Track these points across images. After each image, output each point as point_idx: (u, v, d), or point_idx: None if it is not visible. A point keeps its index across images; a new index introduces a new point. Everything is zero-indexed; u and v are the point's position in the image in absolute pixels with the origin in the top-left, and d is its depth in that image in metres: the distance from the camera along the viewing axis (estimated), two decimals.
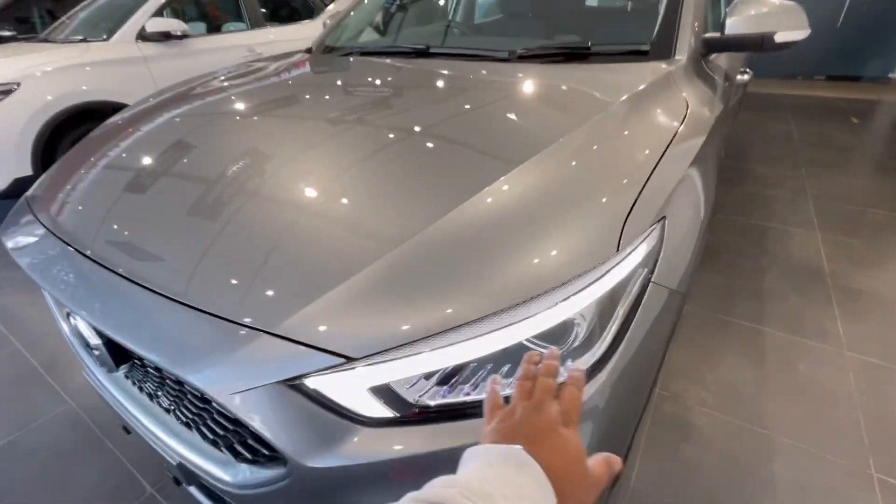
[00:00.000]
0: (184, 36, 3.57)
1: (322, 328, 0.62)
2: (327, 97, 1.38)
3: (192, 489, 1.02)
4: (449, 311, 0.63)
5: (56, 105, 3.05)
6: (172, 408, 0.89)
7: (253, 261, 0.73)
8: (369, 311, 0.64)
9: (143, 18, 3.42)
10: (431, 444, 0.64)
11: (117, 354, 0.88)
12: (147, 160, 1.13)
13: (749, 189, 3.36)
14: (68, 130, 3.13)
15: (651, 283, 0.77)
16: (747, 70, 1.96)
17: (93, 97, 3.16)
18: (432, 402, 0.65)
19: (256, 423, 0.63)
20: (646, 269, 0.76)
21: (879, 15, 5.91)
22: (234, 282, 0.71)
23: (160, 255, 0.81)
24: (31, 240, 0.99)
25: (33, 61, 3.08)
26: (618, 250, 0.71)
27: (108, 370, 0.92)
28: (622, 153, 0.88)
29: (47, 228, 0.98)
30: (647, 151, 0.87)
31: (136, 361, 0.92)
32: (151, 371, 0.88)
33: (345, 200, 0.83)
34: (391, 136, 1.02)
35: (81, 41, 3.46)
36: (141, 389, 0.97)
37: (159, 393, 0.91)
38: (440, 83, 1.35)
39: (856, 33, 6.03)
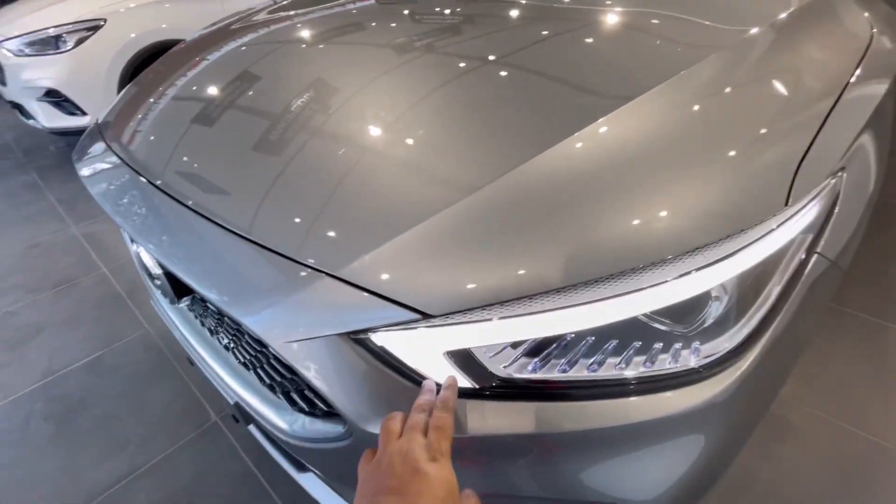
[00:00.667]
0: None
1: (394, 277, 0.51)
2: (394, 24, 1.22)
3: (252, 429, 1.00)
4: (546, 272, 0.50)
5: (139, 42, 3.12)
6: (231, 346, 0.84)
7: (317, 199, 0.63)
8: (451, 263, 0.52)
9: None
10: (514, 426, 0.52)
11: (178, 286, 0.84)
12: (213, 91, 1.05)
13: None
14: None
15: (816, 255, 0.58)
16: None
17: (171, 35, 3.19)
18: (519, 376, 0.53)
19: (312, 376, 0.54)
20: (811, 236, 0.58)
21: None
22: (296, 220, 0.61)
23: (223, 188, 0.73)
24: (102, 166, 0.96)
25: None
26: (787, 204, 0.53)
27: (170, 301, 0.89)
28: (792, 80, 0.67)
29: (117, 155, 0.94)
30: (825, 81, 0.65)
31: (196, 296, 0.88)
32: (211, 307, 0.84)
33: (415, 140, 0.70)
34: (465, 65, 0.86)
35: None
36: (202, 324, 0.94)
37: (219, 329, 0.86)
38: (520, 9, 1.14)
39: None
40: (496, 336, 0.51)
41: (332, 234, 0.58)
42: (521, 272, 0.50)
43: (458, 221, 0.55)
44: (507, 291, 0.50)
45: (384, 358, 0.53)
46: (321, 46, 1.14)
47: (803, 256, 0.57)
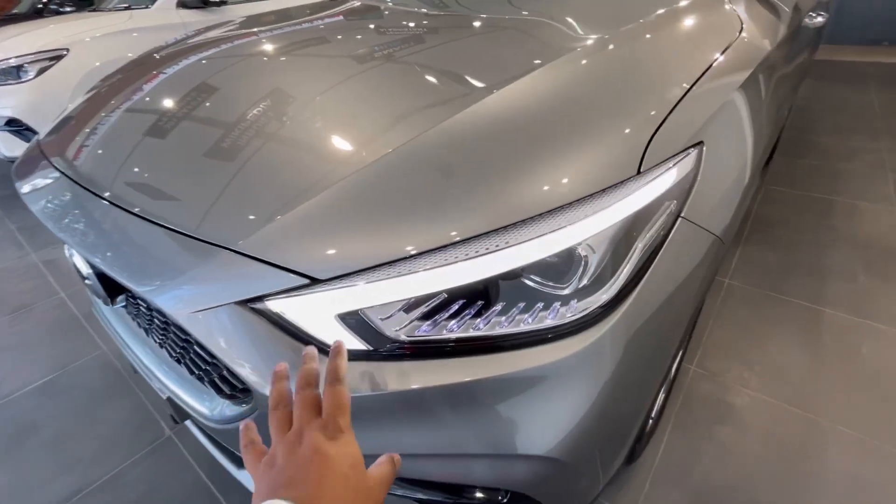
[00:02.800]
0: (222, 2, 3.59)
1: (285, 247, 0.56)
2: (311, 37, 1.30)
3: (192, 428, 1.01)
4: (426, 232, 0.55)
5: (104, 71, 3.15)
6: (163, 342, 0.86)
7: (216, 183, 0.68)
8: (338, 231, 0.56)
9: None
10: (405, 383, 0.56)
11: (110, 286, 0.87)
12: (136, 94, 1.10)
13: (813, 162, 3.01)
14: None
15: (680, 219, 0.65)
16: (822, 13, 1.70)
17: None
18: (409, 337, 0.58)
19: (217, 349, 0.57)
20: (675, 202, 0.64)
21: None
22: (196, 199, 0.66)
23: (131, 173, 0.78)
24: (36, 172, 0.99)
25: (81, 28, 3.18)
26: (638, 172, 0.59)
27: (104, 302, 0.91)
28: (653, 67, 0.75)
29: (49, 161, 0.98)
30: (683, 68, 0.74)
31: (129, 295, 0.90)
32: (142, 304, 0.86)
33: (314, 121, 0.76)
34: (369, 58, 0.94)
35: (126, 9, 3.55)
36: (139, 325, 0.96)
37: (151, 327, 0.89)
38: (422, 18, 1.23)
39: None
40: (381, 296, 0.55)
41: (230, 211, 0.63)
42: (399, 237, 0.55)
43: (347, 193, 0.60)
44: (386, 255, 0.54)
45: (282, 324, 0.57)
46: (248, 55, 1.20)
47: (668, 221, 0.63)
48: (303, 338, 0.57)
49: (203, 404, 0.75)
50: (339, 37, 1.17)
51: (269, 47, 1.16)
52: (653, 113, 0.64)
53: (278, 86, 0.91)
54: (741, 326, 1.75)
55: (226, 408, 0.71)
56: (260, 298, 0.56)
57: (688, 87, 0.69)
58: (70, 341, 1.96)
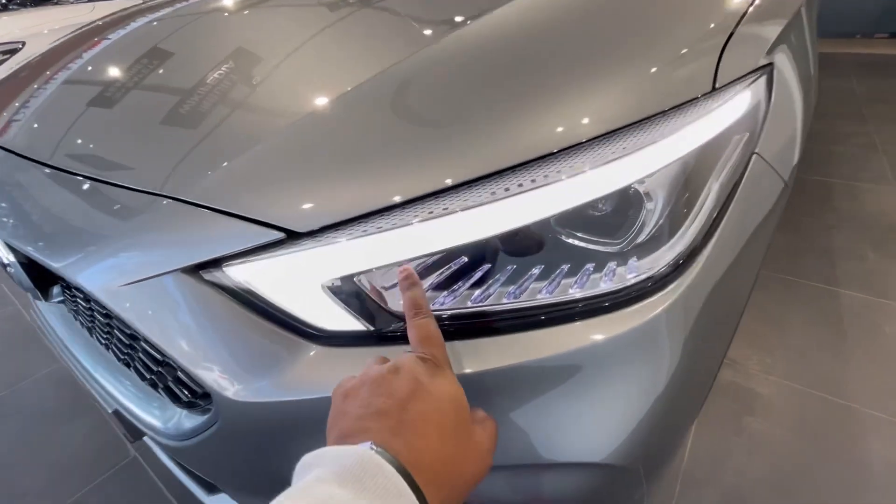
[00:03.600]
0: None
1: (248, 193, 0.41)
2: None
3: (154, 446, 0.84)
4: (436, 170, 0.40)
5: None
6: (108, 342, 0.70)
7: (160, 131, 0.52)
8: (321, 169, 0.42)
9: None
10: None
11: (38, 275, 0.70)
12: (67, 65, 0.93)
13: (806, 145, 2.96)
14: None
15: (754, 156, 0.52)
16: None
17: None
18: None
19: (156, 335, 0.42)
20: (747, 135, 0.51)
21: None
22: (132, 151, 0.50)
23: (47, 130, 0.61)
24: None
25: (39, 20, 2.98)
26: (713, 89, 0.46)
27: (33, 296, 0.74)
28: None
29: None
30: None
31: (65, 287, 0.73)
32: (79, 296, 0.69)
33: (282, 67, 0.61)
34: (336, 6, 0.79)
35: (89, 1, 3.35)
36: (82, 325, 0.79)
37: (94, 325, 0.72)
38: None
39: None
40: (382, 256, 0.41)
41: (172, 159, 0.47)
42: (401, 175, 0.41)
43: (322, 127, 0.45)
44: (385, 199, 0.40)
45: (248, 300, 0.41)
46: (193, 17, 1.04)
47: (741, 158, 0.50)
48: (278, 317, 0.42)
49: (155, 416, 0.59)
50: None
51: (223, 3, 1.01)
52: (721, 19, 0.51)
53: (237, 41, 0.76)
54: (757, 310, 1.65)
55: (184, 419, 0.55)
56: (216, 263, 0.40)
57: None
58: (22, 356, 1.75)
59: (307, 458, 0.28)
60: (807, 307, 1.65)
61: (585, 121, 0.43)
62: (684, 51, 0.47)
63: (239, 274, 0.41)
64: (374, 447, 0.27)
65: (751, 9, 0.53)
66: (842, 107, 3.61)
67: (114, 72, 0.78)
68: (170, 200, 0.41)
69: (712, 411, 1.29)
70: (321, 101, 0.49)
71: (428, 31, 0.60)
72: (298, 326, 0.42)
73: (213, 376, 0.41)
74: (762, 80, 0.53)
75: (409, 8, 0.71)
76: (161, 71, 0.70)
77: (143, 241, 0.41)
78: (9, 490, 1.26)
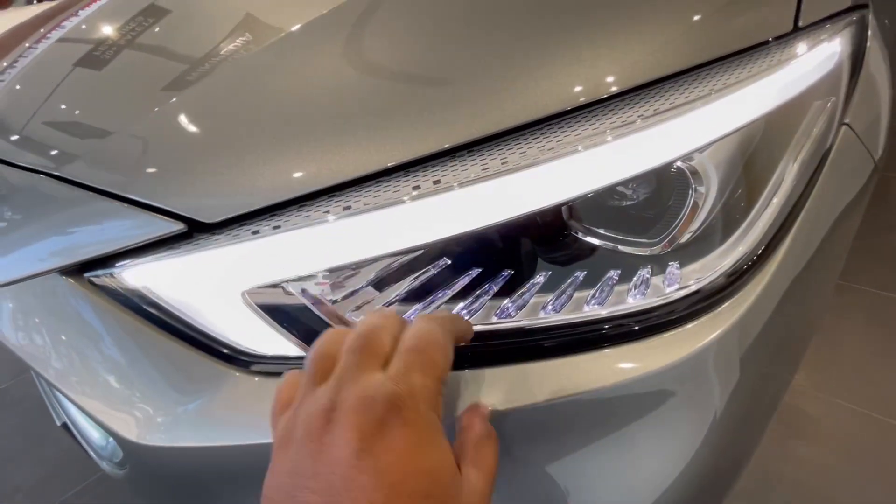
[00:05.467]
0: None
1: (144, 168, 0.30)
2: None
3: None
4: (408, 133, 0.29)
5: None
6: None
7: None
8: (245, 136, 0.31)
9: None
10: None
11: None
12: None
13: None
14: None
15: (844, 127, 0.38)
16: None
17: None
18: None
19: (31, 358, 0.32)
20: (833, 99, 0.38)
21: None
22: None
23: None
24: None
25: None
26: (795, 28, 0.33)
27: None
28: None
29: None
30: None
31: None
32: None
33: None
34: None
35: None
36: None
37: None
38: None
39: None
40: (333, 254, 0.29)
41: (58, 117, 0.37)
42: (371, 137, 0.29)
43: (252, 74, 0.34)
44: (343, 171, 0.29)
45: (146, 310, 0.31)
46: None
47: (827, 127, 0.37)
48: (188, 335, 0.31)
49: (95, 437, 0.50)
50: None
51: None
52: None
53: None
54: None
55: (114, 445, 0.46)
56: (106, 263, 0.30)
57: None
58: None
59: None
60: (861, 315, 1.47)
61: (609, 70, 0.31)
62: None
63: (136, 278, 0.31)
64: None
65: None
66: None
67: None
68: (44, 177, 0.31)
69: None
70: (247, 45, 0.38)
71: None
72: (214, 347, 0.31)
73: (107, 412, 0.31)
74: (854, 28, 0.40)
75: None
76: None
77: (12, 231, 0.31)
78: (4, 484, 1.24)
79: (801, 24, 0.33)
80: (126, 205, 0.29)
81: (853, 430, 1.13)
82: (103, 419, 0.31)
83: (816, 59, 0.35)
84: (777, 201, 0.33)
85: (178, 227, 0.28)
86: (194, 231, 0.29)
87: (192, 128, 0.33)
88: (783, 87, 0.33)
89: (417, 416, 0.22)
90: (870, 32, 0.41)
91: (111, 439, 0.49)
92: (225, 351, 0.31)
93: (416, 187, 0.29)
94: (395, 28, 0.39)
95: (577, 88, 0.31)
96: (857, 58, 0.40)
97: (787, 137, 0.34)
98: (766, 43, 0.34)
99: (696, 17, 0.33)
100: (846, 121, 0.38)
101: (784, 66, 0.33)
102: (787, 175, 0.34)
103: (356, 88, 0.34)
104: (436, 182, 0.29)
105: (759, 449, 1.08)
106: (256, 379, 0.31)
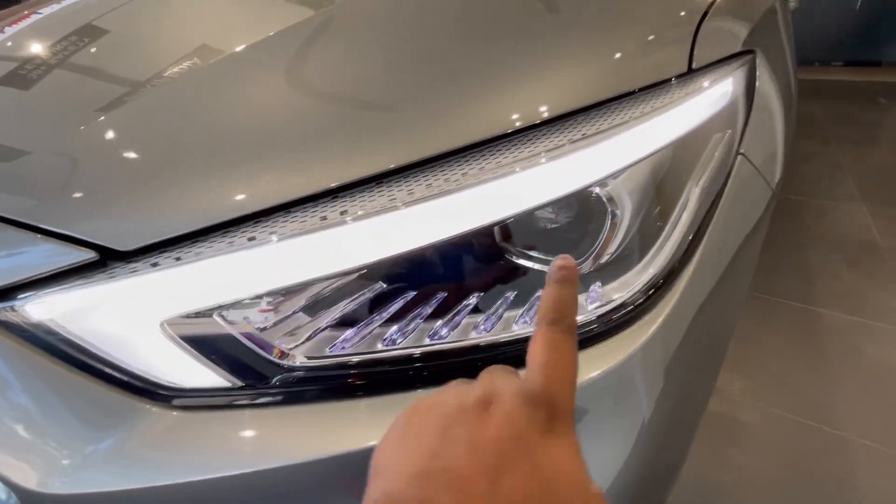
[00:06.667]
0: None
1: (54, 193, 0.29)
2: None
3: None
4: (339, 157, 0.30)
5: None
6: None
7: None
8: (163, 158, 0.30)
9: None
10: (317, 445, 0.30)
11: None
12: None
13: None
14: None
15: (739, 156, 0.43)
16: None
17: None
18: (313, 360, 0.31)
19: None
20: (729, 132, 0.42)
21: None
22: None
23: None
24: None
25: None
26: (689, 70, 0.37)
27: None
28: None
29: None
30: None
31: None
32: None
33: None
34: None
35: None
36: None
37: None
38: None
39: (876, 16, 5.63)
40: (252, 283, 0.29)
41: None
42: (299, 161, 0.30)
43: (180, 93, 0.34)
44: (265, 197, 0.29)
45: (49, 343, 0.29)
46: None
47: (724, 156, 0.41)
48: (100, 370, 0.29)
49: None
50: None
51: None
52: None
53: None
54: (736, 333, 1.57)
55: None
56: (7, 295, 0.28)
57: None
58: None
59: None
60: (787, 328, 1.59)
61: (526, 101, 0.33)
62: (654, 28, 0.39)
63: (41, 310, 0.29)
64: None
65: None
66: (804, 129, 3.71)
67: None
68: None
69: (695, 442, 1.20)
70: (185, 68, 0.38)
71: None
72: (130, 381, 0.29)
73: (2, 460, 0.29)
74: (744, 70, 0.45)
75: None
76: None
77: None
78: None
79: (694, 66, 0.37)
80: (31, 232, 0.27)
81: (789, 438, 1.20)
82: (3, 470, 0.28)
83: (712, 96, 0.39)
84: (684, 222, 0.37)
85: (88, 255, 0.27)
86: (108, 259, 0.27)
87: (113, 150, 0.32)
88: (684, 119, 0.37)
89: (566, 427, 0.22)
90: (758, 74, 0.47)
91: (12, 494, 0.44)
92: (139, 384, 0.29)
93: (344, 212, 0.29)
94: (330, 57, 0.40)
95: (513, 116, 0.33)
96: (749, 95, 0.46)
97: (690, 166, 0.38)
98: (668, 81, 0.37)
99: (608, 63, 0.36)
100: (741, 151, 0.43)
101: (684, 101, 0.36)
102: (691, 199, 0.37)
103: (285, 114, 0.34)
104: (362, 207, 0.30)
105: (697, 459, 1.13)
106: (175, 413, 0.30)
